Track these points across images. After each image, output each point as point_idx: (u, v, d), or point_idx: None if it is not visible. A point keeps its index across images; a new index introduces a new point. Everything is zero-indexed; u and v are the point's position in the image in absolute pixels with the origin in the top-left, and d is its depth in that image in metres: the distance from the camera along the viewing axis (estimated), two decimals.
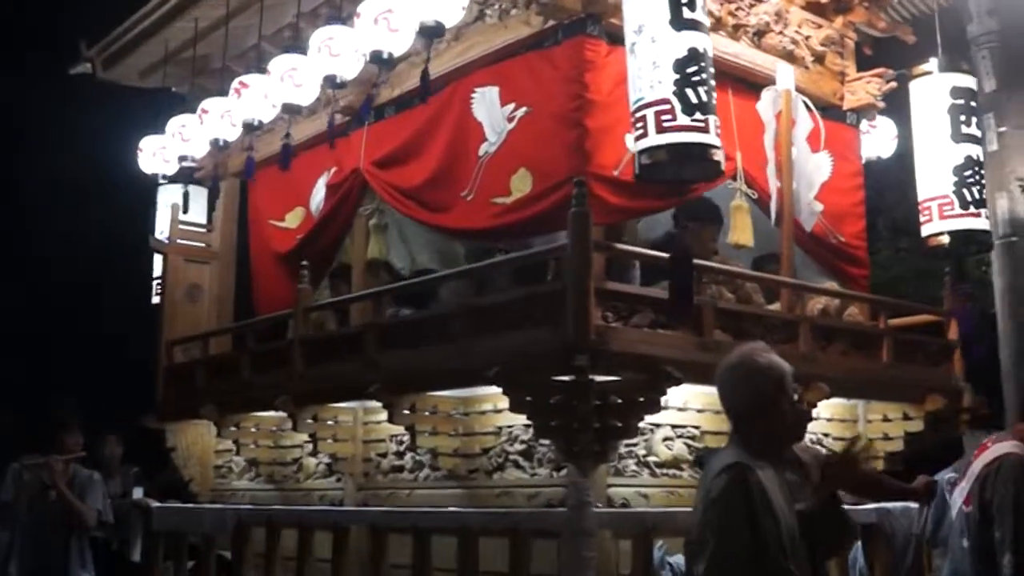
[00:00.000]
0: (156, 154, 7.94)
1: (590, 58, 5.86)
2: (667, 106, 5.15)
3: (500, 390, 5.67)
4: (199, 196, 8.92)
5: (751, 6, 6.63)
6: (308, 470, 7.33)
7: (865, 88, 7.13)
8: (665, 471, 5.79)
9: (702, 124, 5.14)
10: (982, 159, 6.73)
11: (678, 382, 5.24)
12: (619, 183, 5.79)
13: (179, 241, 8.41)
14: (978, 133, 6.75)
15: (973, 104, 6.72)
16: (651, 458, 5.74)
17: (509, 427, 5.94)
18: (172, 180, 8.38)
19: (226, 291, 8.54)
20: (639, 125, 5.22)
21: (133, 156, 8.25)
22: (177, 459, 8.19)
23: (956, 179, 6.66)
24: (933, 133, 6.79)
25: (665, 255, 5.52)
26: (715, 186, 6.30)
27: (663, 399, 5.33)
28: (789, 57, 6.79)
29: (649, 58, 5.22)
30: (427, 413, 6.10)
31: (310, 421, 6.74)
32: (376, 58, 6.14)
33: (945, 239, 6.73)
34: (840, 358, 6.24)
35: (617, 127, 5.89)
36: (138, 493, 8.28)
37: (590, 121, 5.79)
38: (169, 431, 8.18)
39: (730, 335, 5.68)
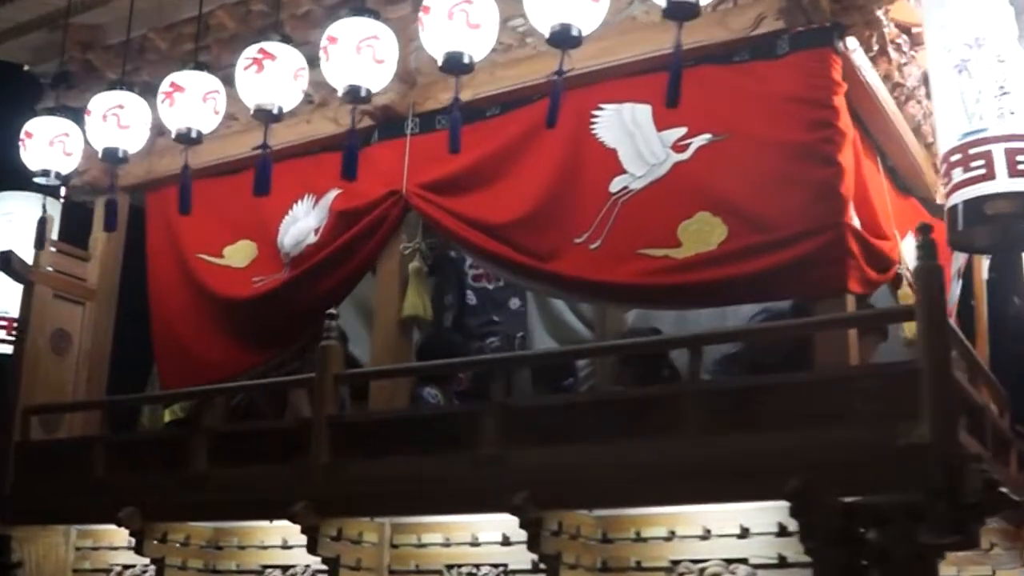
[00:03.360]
0: (56, 144, 5.53)
1: (837, 79, 4.51)
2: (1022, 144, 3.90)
3: (686, 509, 4.12)
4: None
5: (904, 64, 5.52)
6: None
7: None
8: None
9: None
10: None
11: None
12: (874, 245, 4.45)
13: (48, 269, 5.93)
14: None
15: None
16: None
17: (698, 562, 4.24)
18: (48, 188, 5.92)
19: (101, 343, 6.10)
20: (977, 164, 3.93)
21: None
22: None
23: None
24: None
25: None
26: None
27: None
28: (917, 132, 5.75)
29: (994, 80, 3.98)
30: (568, 537, 4.28)
31: (331, 539, 4.64)
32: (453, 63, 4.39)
33: None
34: None
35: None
36: None
37: (843, 158, 4.40)
38: (16, 539, 5.58)
39: None
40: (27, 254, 5.98)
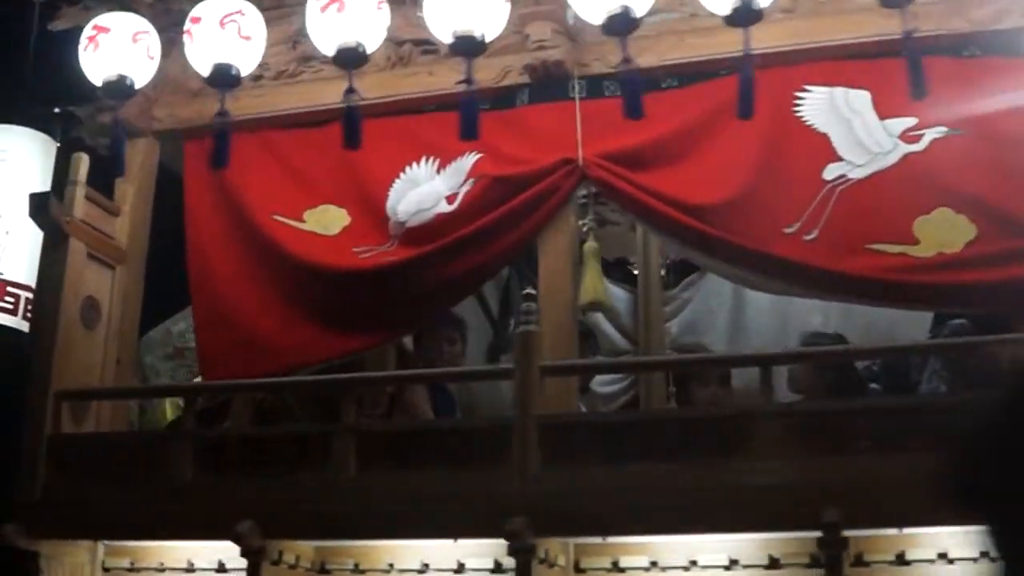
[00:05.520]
0: (139, 41, 4.42)
1: None
2: None
3: (921, 531, 3.88)
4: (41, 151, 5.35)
5: None
6: None
7: None
8: None
9: None
10: None
11: None
12: None
13: (81, 221, 4.76)
14: None
15: None
16: None
17: None
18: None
19: (131, 317, 4.97)
20: None
21: None
22: None
23: None
24: None
25: None
26: None
27: None
28: None
29: None
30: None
31: (540, 562, 3.91)
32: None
33: None
34: None
35: None
36: None
37: None
38: (45, 556, 4.40)
39: None
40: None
